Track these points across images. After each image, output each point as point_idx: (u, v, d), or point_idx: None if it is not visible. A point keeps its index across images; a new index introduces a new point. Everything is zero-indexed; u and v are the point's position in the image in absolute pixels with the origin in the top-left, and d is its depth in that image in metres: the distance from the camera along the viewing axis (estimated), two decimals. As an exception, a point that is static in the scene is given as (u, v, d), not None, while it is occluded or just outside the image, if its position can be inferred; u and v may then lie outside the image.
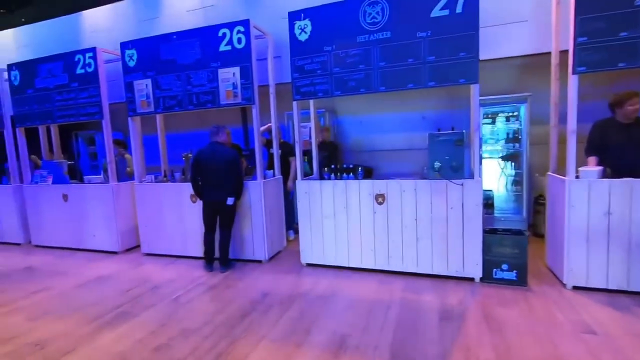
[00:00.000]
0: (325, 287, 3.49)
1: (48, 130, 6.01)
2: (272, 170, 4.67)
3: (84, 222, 5.17)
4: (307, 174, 4.43)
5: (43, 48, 6.60)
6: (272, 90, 4.57)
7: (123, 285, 3.85)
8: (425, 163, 4.40)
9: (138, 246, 5.05)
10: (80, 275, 4.21)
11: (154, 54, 4.47)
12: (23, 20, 7.60)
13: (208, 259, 4.16)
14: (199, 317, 3.02)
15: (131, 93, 4.67)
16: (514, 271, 3.28)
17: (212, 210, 4.07)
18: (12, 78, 5.38)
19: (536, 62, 4.37)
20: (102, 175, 5.21)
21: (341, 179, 3.93)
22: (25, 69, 5.29)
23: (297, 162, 4.12)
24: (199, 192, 4.13)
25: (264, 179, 4.33)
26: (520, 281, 3.27)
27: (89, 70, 4.83)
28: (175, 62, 4.37)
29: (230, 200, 3.98)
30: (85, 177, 5.51)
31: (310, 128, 5.62)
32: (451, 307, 2.96)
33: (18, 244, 5.84)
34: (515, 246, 3.27)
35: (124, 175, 5.45)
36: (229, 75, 4.15)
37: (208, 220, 4.11)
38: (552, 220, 3.57)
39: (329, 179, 3.99)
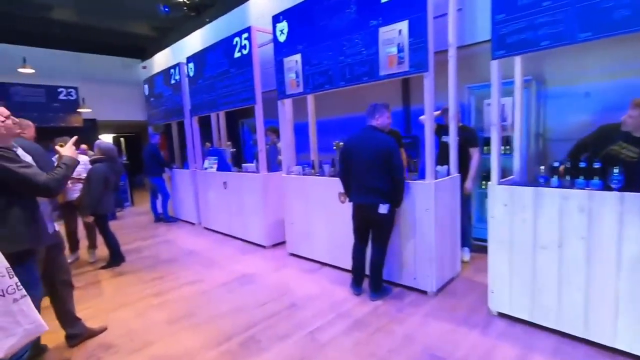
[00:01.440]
0: (544, 375, 2.04)
1: (218, 118, 6.31)
2: (445, 166, 3.34)
3: (239, 211, 5.09)
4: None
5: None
6: (452, 52, 3.21)
7: (262, 292, 3.36)
8: None
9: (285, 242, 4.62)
10: (228, 270, 4.00)
11: (304, 23, 3.76)
12: (207, 20, 8.42)
13: (356, 277, 3.24)
14: (337, 379, 2.11)
15: (281, 73, 4.13)
16: None
17: (362, 217, 3.09)
18: (188, 70, 5.74)
19: None
20: (254, 164, 5.00)
21: (574, 186, 2.31)
22: (198, 60, 5.53)
23: (493, 153, 2.68)
24: (348, 192, 3.23)
25: (435, 178, 3.07)
26: None
27: (244, 53, 4.56)
28: (326, 28, 3.54)
29: (383, 208, 2.90)
30: (243, 165, 5.48)
31: (503, 105, 3.99)
32: None
33: (193, 224, 6.41)
34: None
35: (275, 164, 5.13)
36: (394, 34, 3.02)
37: (358, 229, 3.18)
38: None
39: (547, 184, 2.42)
